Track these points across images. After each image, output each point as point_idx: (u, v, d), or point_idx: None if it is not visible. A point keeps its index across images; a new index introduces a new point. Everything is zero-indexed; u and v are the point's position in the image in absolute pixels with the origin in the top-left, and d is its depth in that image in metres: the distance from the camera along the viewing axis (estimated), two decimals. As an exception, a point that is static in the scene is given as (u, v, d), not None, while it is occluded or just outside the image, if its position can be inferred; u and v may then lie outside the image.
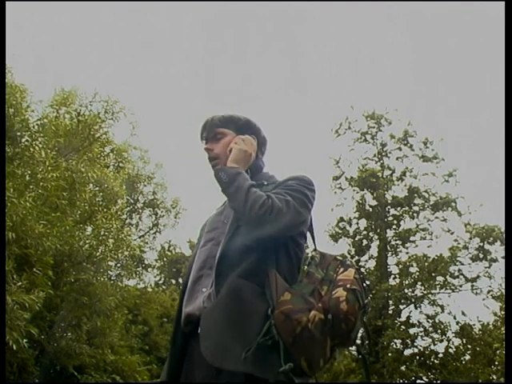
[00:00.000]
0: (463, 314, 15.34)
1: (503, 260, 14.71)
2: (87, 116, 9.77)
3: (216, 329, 1.52)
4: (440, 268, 15.36)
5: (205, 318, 1.57)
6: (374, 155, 17.15)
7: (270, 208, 1.60)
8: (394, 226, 16.74)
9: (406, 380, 15.12)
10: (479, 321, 15.39)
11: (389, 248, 16.57)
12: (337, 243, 16.90)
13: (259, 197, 1.63)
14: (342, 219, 16.97)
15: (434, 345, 15.40)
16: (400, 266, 16.10)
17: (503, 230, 14.65)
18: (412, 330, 15.50)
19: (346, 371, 15.81)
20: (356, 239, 16.79)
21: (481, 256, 15.62)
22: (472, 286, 15.69)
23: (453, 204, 16.15)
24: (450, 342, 15.34)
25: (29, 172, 7.85)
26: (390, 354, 14.91)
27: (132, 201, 14.89)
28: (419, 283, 15.79)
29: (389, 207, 16.78)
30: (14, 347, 6.31)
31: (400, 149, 17.00)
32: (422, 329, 15.51)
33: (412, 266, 15.98)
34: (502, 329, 14.11)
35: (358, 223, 16.99)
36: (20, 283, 6.44)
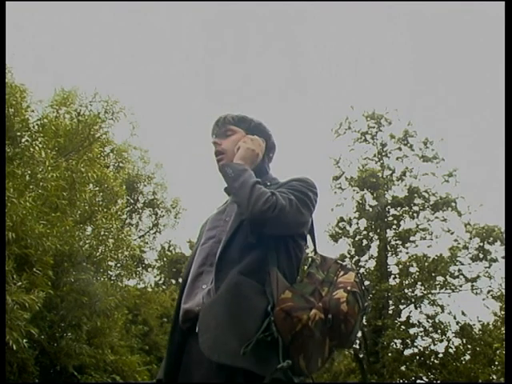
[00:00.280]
0: (463, 314, 15.37)
1: (503, 260, 14.72)
2: (87, 116, 9.77)
3: (215, 323, 1.52)
4: (440, 268, 15.37)
5: (204, 313, 1.57)
6: (374, 155, 17.15)
7: (274, 204, 1.61)
8: (394, 226, 16.74)
9: (406, 380, 15.13)
10: (479, 321, 15.43)
11: (389, 248, 16.58)
12: (337, 243, 16.93)
13: (264, 193, 1.64)
14: (342, 219, 16.97)
15: (434, 345, 15.42)
16: (400, 266, 16.11)
17: (503, 230, 14.65)
18: (412, 330, 15.51)
19: (345, 371, 15.85)
20: (356, 239, 16.79)
21: (481, 256, 15.62)
22: (472, 286, 15.71)
23: (453, 204, 16.15)
24: (450, 342, 15.36)
25: (29, 172, 7.85)
26: (390, 354, 14.92)
27: (132, 201, 14.90)
28: (419, 283, 15.80)
29: (389, 207, 16.78)
30: (14, 347, 6.30)
31: (400, 149, 17.01)
32: (422, 329, 15.52)
33: (412, 266, 15.99)
34: (502, 329, 14.12)
35: (358, 223, 17.01)
36: (20, 283, 6.44)
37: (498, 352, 14.11)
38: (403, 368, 15.19)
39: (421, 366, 15.08)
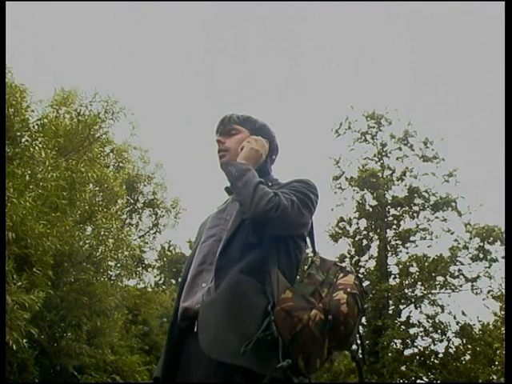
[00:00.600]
0: (463, 313, 15.35)
1: (503, 260, 14.72)
2: (87, 116, 9.77)
3: (215, 321, 1.52)
4: (440, 268, 15.36)
5: (204, 310, 1.57)
6: (374, 155, 17.14)
7: (276, 204, 1.61)
8: (394, 226, 16.74)
9: (406, 380, 15.11)
10: (479, 321, 15.41)
11: (389, 248, 16.57)
12: (337, 243, 16.92)
13: (267, 193, 1.65)
14: (342, 219, 16.97)
15: (434, 345, 15.40)
16: (400, 266, 16.09)
17: (503, 230, 14.66)
18: (412, 330, 15.49)
19: (345, 371, 15.83)
20: (356, 239, 16.79)
21: (481, 256, 15.61)
22: (472, 286, 15.69)
23: (453, 204, 16.14)
24: (450, 342, 15.34)
25: (29, 172, 7.84)
26: (390, 354, 14.91)
27: (132, 201, 14.90)
28: (419, 283, 15.79)
29: (389, 207, 16.78)
30: (14, 347, 6.31)
31: (400, 149, 17.00)
32: (422, 329, 15.51)
33: (412, 265, 15.98)
34: (502, 329, 14.11)
35: (358, 223, 17.00)
36: (20, 283, 6.44)
37: (498, 352, 14.11)
38: (403, 368, 15.18)
39: (421, 366, 15.07)
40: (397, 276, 16.25)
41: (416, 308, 15.81)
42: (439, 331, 15.29)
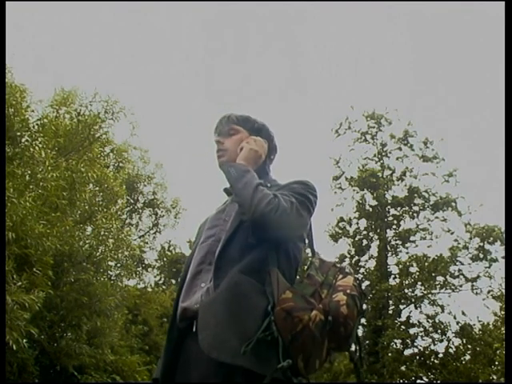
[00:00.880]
0: (463, 313, 15.36)
1: (503, 260, 14.72)
2: (87, 116, 9.77)
3: (214, 321, 1.52)
4: (440, 268, 15.37)
5: (203, 310, 1.57)
6: (374, 155, 17.15)
7: (276, 206, 1.61)
8: (394, 226, 16.74)
9: (406, 380, 15.12)
10: (479, 321, 15.43)
11: (389, 248, 16.57)
12: (337, 243, 16.94)
13: (267, 195, 1.64)
14: (342, 219, 16.97)
15: (434, 345, 15.41)
16: (400, 266, 16.10)
17: (503, 230, 14.66)
18: (412, 330, 15.51)
19: (345, 371, 15.82)
20: (356, 239, 16.79)
21: (481, 256, 15.62)
22: (472, 286, 15.71)
23: (453, 204, 16.15)
24: (450, 342, 15.35)
25: (29, 172, 7.84)
26: (390, 354, 14.91)
27: (132, 201, 14.91)
28: (419, 283, 15.79)
29: (389, 207, 16.78)
30: (14, 347, 6.30)
31: (400, 149, 17.01)
32: (422, 329, 15.52)
33: (412, 265, 15.99)
34: (502, 329, 14.12)
35: (358, 223, 17.01)
36: (20, 283, 6.43)
37: (498, 352, 14.11)
38: (403, 368, 15.18)
39: (421, 366, 15.07)
40: (397, 276, 16.25)
41: (416, 308, 15.82)
42: (439, 331, 15.30)
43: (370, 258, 16.80)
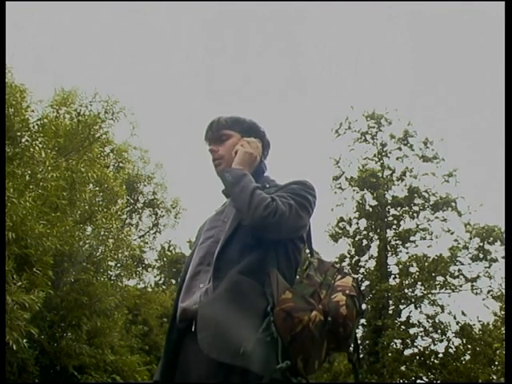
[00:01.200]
0: (463, 314, 15.36)
1: (503, 260, 14.72)
2: (87, 116, 9.78)
3: (214, 321, 1.53)
4: (440, 268, 15.37)
5: (203, 310, 1.57)
6: (374, 155, 17.15)
7: (274, 210, 1.61)
8: (394, 226, 16.74)
9: (406, 380, 15.11)
10: (479, 321, 15.42)
11: (389, 248, 16.57)
12: (337, 243, 16.93)
13: (264, 198, 1.64)
14: (341, 219, 16.97)
15: (434, 345, 15.41)
16: (400, 266, 16.10)
17: (503, 230, 14.65)
18: (412, 330, 15.50)
19: (345, 371, 15.82)
20: (356, 239, 16.79)
21: (481, 256, 15.62)
22: (472, 286, 15.70)
23: (453, 204, 16.15)
24: (450, 342, 15.35)
25: (29, 172, 7.85)
26: (390, 354, 14.91)
27: (132, 201, 14.90)
28: (419, 283, 15.79)
29: (389, 207, 16.78)
30: (14, 347, 6.30)
31: (400, 149, 17.00)
32: (422, 329, 15.51)
33: (412, 265, 15.99)
34: (502, 329, 14.11)
35: (358, 223, 17.01)
36: (20, 283, 6.43)
37: (498, 352, 14.11)
38: (403, 368, 15.18)
39: (421, 366, 15.07)
40: (397, 276, 16.25)
41: (416, 308, 15.82)
42: (439, 331, 15.29)
43: (369, 258, 16.80)
